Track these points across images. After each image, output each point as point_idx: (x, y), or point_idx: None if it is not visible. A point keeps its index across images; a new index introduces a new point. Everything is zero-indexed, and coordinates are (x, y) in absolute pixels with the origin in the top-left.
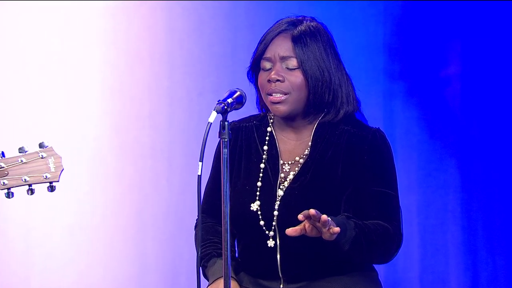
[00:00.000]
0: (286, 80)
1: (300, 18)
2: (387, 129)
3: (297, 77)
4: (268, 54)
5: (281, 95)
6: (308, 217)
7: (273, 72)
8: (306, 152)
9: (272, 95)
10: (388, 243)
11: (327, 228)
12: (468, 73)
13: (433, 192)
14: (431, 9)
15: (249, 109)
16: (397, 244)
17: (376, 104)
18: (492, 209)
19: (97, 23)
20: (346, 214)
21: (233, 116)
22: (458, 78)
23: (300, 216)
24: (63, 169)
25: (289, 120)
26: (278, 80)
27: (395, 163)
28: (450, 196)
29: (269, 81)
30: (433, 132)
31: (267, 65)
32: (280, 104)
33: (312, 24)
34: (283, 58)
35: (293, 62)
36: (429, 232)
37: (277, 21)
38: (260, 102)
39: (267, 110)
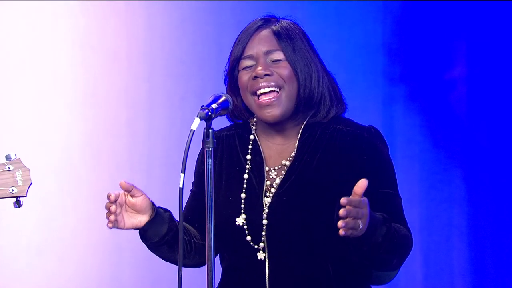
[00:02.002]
0: (275, 73)
1: (273, 16)
2: (386, 136)
3: (286, 68)
4: (248, 52)
5: (272, 95)
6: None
7: (259, 67)
8: (293, 154)
9: (260, 97)
10: (407, 245)
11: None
12: (474, 76)
13: (437, 206)
14: (434, 6)
15: None
16: (411, 246)
17: (375, 110)
18: (501, 225)
19: (67, 21)
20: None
21: (218, 123)
22: (464, 81)
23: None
24: (31, 183)
25: (277, 124)
26: (266, 75)
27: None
28: (456, 210)
29: (255, 77)
30: (436, 140)
31: (248, 63)
32: (271, 107)
33: (289, 22)
34: (268, 52)
35: (278, 55)
36: (433, 250)
37: (248, 23)
38: (236, 111)
39: (248, 116)
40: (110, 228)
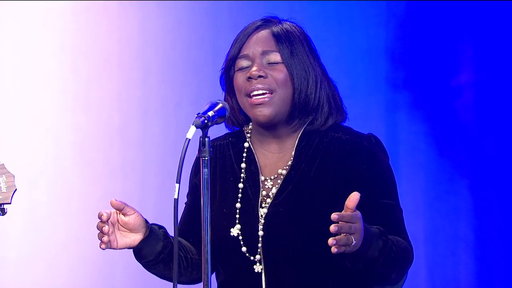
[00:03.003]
0: (269, 76)
1: (275, 17)
2: (389, 145)
3: (281, 72)
4: (245, 51)
5: (264, 95)
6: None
7: (254, 68)
8: (290, 163)
9: (253, 97)
10: (407, 259)
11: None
12: (482, 82)
13: (442, 218)
14: (440, 8)
15: None
16: (411, 260)
17: (377, 117)
18: (510, 238)
19: (57, 23)
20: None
21: (214, 131)
22: (471, 87)
23: (332, 228)
24: (16, 190)
25: (271, 128)
26: (260, 76)
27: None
28: (462, 222)
29: (249, 78)
30: (442, 149)
31: (244, 63)
32: (263, 106)
33: (291, 24)
34: (264, 53)
35: (275, 56)
36: (438, 264)
37: (248, 24)
38: (234, 117)
39: (243, 119)
40: (103, 249)
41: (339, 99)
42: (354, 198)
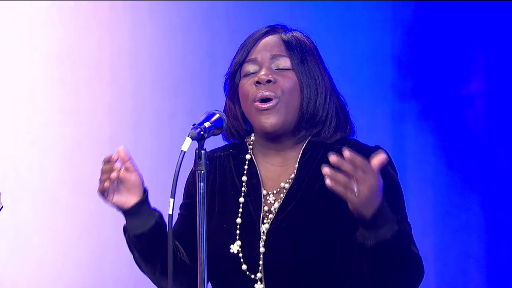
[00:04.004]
0: (278, 81)
1: (284, 25)
2: (396, 158)
3: (290, 79)
4: (253, 55)
5: (271, 102)
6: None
7: (262, 72)
8: (293, 176)
9: (260, 103)
10: (417, 267)
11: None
12: (493, 91)
13: (453, 235)
14: (450, 13)
15: None
16: (421, 274)
17: (383, 128)
18: None
19: (43, 30)
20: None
21: (211, 143)
22: (482, 96)
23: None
24: (2, 207)
25: (275, 139)
26: (269, 82)
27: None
28: (473, 239)
29: (257, 83)
30: (452, 162)
31: (251, 68)
32: (269, 113)
33: (302, 35)
34: (274, 57)
35: (285, 62)
36: (448, 283)
37: (255, 30)
38: (235, 127)
39: (245, 130)
40: (100, 191)
41: (348, 115)
42: (381, 157)
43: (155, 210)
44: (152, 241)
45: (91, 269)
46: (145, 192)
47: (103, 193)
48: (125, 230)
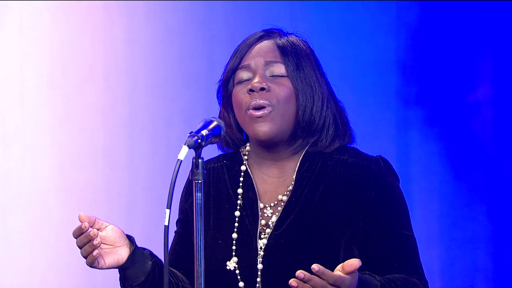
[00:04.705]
0: (272, 89)
1: (280, 29)
2: (401, 167)
3: (285, 87)
4: (246, 61)
5: (264, 108)
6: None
7: (255, 80)
8: (291, 188)
9: (253, 110)
10: None
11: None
12: (501, 97)
13: (459, 247)
14: (456, 17)
15: None
16: None
17: (387, 136)
18: None
19: (34, 32)
20: (368, 272)
21: (208, 151)
22: (489, 103)
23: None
24: None
25: (271, 148)
26: (262, 89)
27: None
28: (480, 251)
29: (250, 91)
30: (458, 171)
31: (244, 75)
32: (263, 121)
33: (298, 39)
34: (268, 64)
35: (280, 69)
36: None
37: (249, 35)
38: (230, 136)
39: (240, 138)
40: (92, 265)
41: (347, 122)
42: (354, 264)
43: (144, 249)
44: (155, 282)
45: (82, 279)
46: (129, 238)
47: (93, 263)
48: (123, 281)
